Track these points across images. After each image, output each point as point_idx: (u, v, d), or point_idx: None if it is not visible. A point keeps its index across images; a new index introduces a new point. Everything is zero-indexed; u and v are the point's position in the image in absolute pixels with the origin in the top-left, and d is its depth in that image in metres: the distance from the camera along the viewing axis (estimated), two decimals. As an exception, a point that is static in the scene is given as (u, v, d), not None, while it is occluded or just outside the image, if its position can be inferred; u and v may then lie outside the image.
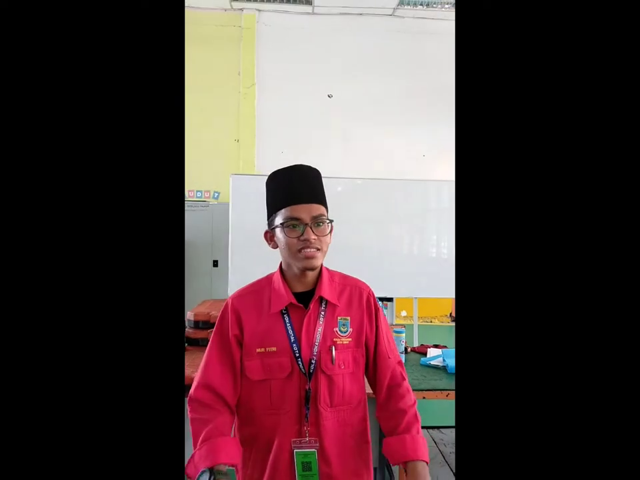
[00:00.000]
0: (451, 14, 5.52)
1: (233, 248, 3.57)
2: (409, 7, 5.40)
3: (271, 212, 1.04)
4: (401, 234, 4.01)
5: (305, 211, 0.97)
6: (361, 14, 5.52)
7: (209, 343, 1.06)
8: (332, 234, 1.05)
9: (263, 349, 1.00)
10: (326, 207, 1.03)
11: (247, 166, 5.48)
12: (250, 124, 5.55)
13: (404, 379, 1.07)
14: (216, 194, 5.50)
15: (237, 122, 5.54)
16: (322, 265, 1.07)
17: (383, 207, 3.87)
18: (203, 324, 2.03)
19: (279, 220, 1.00)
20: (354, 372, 1.04)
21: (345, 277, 1.11)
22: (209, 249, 5.07)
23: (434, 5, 5.37)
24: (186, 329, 2.07)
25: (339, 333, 1.03)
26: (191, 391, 1.02)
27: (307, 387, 0.99)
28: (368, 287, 1.11)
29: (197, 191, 5.46)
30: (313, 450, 0.99)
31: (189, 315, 2.07)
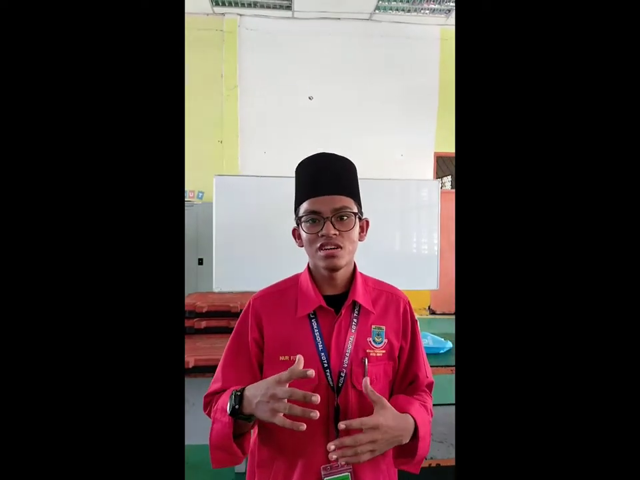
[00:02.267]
0: (426, 19, 5.74)
1: (217, 246, 3.72)
2: (385, 11, 5.60)
3: (295, 206, 0.94)
4: (382, 231, 4.19)
5: (325, 204, 0.87)
6: (339, 18, 5.69)
7: (227, 345, 0.96)
8: (366, 231, 0.97)
9: (286, 357, 0.88)
10: (355, 200, 0.92)
11: (230, 166, 5.61)
12: (233, 125, 5.68)
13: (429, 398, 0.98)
14: (200, 194, 5.62)
15: (220, 123, 5.66)
16: (355, 267, 0.97)
17: (366, 206, 4.04)
18: (189, 313, 2.20)
19: (299, 214, 0.91)
20: (384, 387, 0.92)
21: (380, 283, 1.00)
22: (194, 247, 5.19)
23: (409, 11, 5.57)
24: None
25: (372, 343, 0.91)
26: (205, 397, 0.94)
27: (336, 404, 0.86)
28: (405, 295, 1.00)
29: (182, 191, 5.58)
30: (347, 473, 0.86)
31: (177, 306, 2.23)
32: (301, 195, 0.92)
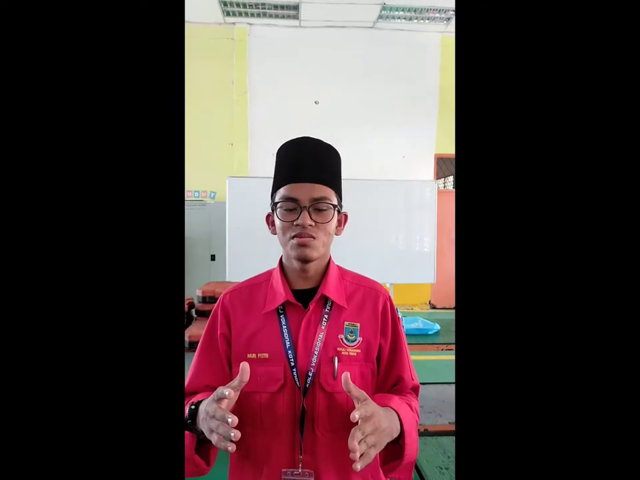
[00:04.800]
0: (427, 26, 6.01)
1: (230, 241, 4.02)
2: (388, 20, 5.88)
3: (272, 191, 0.88)
4: (382, 228, 4.47)
5: (304, 191, 0.81)
6: (343, 27, 5.98)
7: (199, 344, 0.91)
8: (344, 226, 0.92)
9: (254, 355, 0.83)
10: (336, 192, 0.87)
11: (240, 167, 5.91)
12: (243, 128, 5.99)
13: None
14: (212, 194, 5.93)
15: (231, 127, 5.97)
16: (330, 260, 0.91)
17: (368, 205, 4.33)
18: (209, 299, 2.51)
19: (276, 200, 0.85)
20: None
21: (359, 277, 0.93)
22: (206, 244, 5.49)
23: (411, 19, 5.85)
24: (195, 304, 2.55)
25: (344, 341, 0.85)
26: None
27: (302, 405, 0.81)
28: (386, 291, 0.92)
29: (195, 191, 5.89)
30: None
31: (198, 292, 2.55)
32: (280, 179, 0.86)
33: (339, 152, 0.93)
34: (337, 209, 0.86)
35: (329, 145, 0.89)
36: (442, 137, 6.17)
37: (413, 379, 0.90)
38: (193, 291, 2.92)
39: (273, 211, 0.87)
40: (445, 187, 6.60)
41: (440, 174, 6.50)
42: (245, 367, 0.70)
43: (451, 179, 6.68)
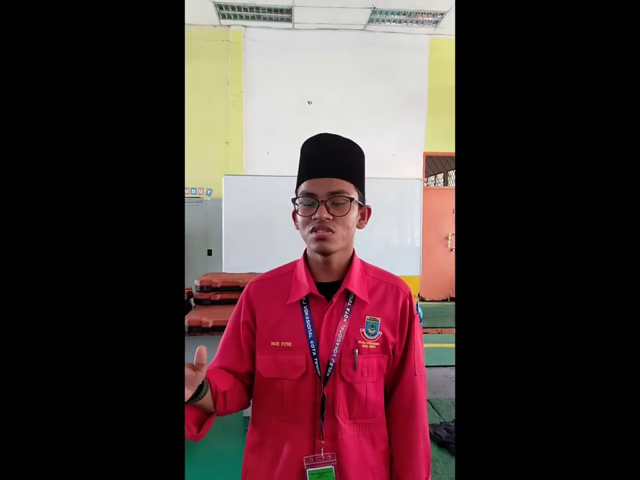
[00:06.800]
0: (416, 29, 6.21)
1: (226, 236, 4.24)
2: (378, 23, 6.07)
3: (296, 188, 0.91)
4: (375, 224, 4.68)
5: (321, 186, 0.84)
6: (335, 29, 6.16)
7: (225, 329, 0.97)
8: (368, 219, 0.94)
9: (277, 343, 0.87)
10: (356, 185, 0.88)
11: (236, 165, 6.09)
12: (238, 127, 6.15)
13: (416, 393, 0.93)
14: (209, 191, 6.11)
15: (227, 126, 6.13)
16: (354, 254, 0.94)
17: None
18: (207, 288, 2.74)
19: (297, 195, 0.88)
20: (377, 381, 0.90)
21: (381, 272, 0.96)
22: (203, 239, 5.67)
23: (400, 22, 6.04)
24: (194, 293, 2.78)
25: (365, 335, 0.88)
26: None
27: (322, 393, 0.85)
28: (407, 287, 0.95)
29: (192, 188, 6.06)
30: (330, 467, 0.84)
31: (196, 282, 2.78)
32: (301, 175, 0.89)
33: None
34: (354, 201, 0.87)
35: (348, 139, 0.92)
36: (430, 136, 6.38)
37: (415, 374, 0.93)
38: (191, 282, 3.11)
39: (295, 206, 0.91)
40: (435, 184, 6.82)
41: (429, 172, 6.72)
42: (200, 351, 0.74)
43: (440, 176, 6.90)
